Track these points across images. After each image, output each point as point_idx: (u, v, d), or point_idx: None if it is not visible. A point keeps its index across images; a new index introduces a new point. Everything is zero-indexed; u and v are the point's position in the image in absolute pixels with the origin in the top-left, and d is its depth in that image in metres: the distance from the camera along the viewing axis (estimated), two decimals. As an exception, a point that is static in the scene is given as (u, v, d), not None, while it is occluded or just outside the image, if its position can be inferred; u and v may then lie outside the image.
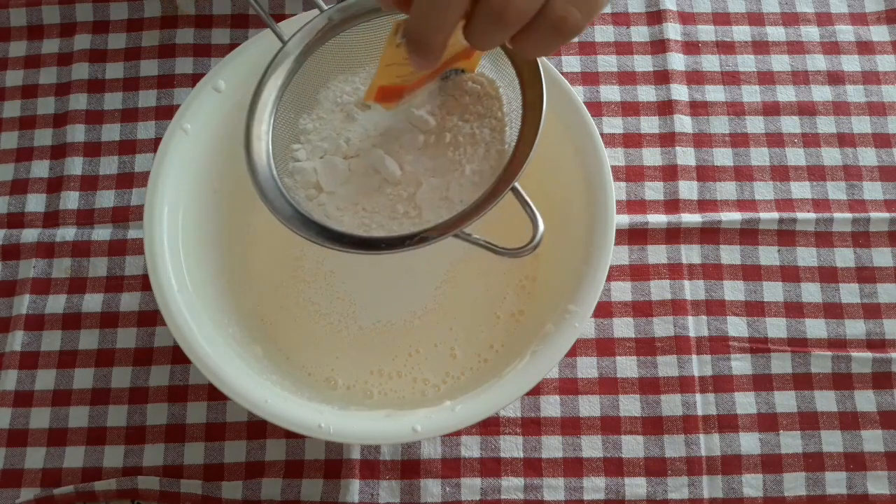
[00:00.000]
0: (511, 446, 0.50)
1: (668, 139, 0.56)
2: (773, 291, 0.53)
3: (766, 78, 0.58)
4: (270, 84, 0.42)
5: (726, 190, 0.55)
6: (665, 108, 0.57)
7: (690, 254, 0.54)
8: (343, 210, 0.41)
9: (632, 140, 0.56)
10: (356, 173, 0.42)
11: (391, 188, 0.41)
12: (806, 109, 0.57)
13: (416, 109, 0.42)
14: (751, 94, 0.58)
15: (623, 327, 0.52)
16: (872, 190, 0.55)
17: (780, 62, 0.59)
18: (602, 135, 0.47)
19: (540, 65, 0.40)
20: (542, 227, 0.38)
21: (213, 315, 0.45)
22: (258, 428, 0.50)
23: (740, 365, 0.51)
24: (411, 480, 0.49)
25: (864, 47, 0.59)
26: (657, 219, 0.54)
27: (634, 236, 0.54)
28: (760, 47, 0.59)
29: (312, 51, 0.42)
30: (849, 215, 0.54)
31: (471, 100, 0.42)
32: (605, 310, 0.52)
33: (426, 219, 0.40)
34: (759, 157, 0.56)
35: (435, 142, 0.42)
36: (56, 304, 0.53)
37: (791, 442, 0.50)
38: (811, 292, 0.53)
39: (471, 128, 0.41)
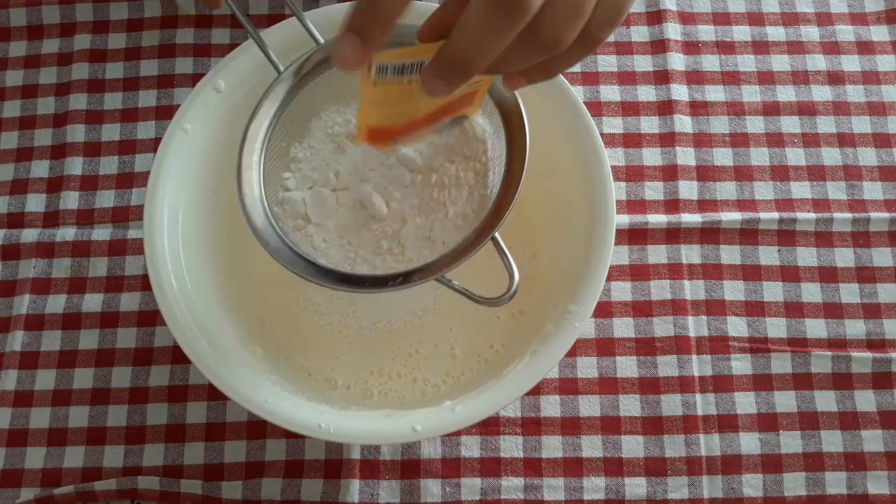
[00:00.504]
0: (511, 446, 0.50)
1: (668, 139, 0.56)
2: (773, 291, 0.53)
3: (766, 78, 0.58)
4: (263, 112, 0.42)
5: (726, 190, 0.55)
6: (665, 108, 0.57)
7: (690, 254, 0.54)
8: (329, 243, 0.42)
9: (632, 140, 0.56)
10: (344, 206, 0.42)
11: (377, 224, 0.42)
12: (806, 109, 0.57)
13: (403, 146, 0.42)
14: (751, 94, 0.58)
15: (623, 327, 0.52)
16: (872, 190, 0.55)
17: (780, 62, 0.59)
18: (602, 135, 0.47)
19: (525, 118, 0.40)
20: (517, 278, 0.39)
21: (213, 315, 0.45)
22: (258, 428, 0.50)
23: (740, 365, 0.51)
24: (411, 480, 0.49)
25: (864, 47, 0.59)
26: (657, 219, 0.54)
27: (634, 236, 0.54)
28: (760, 47, 0.59)
29: (307, 82, 0.43)
30: (849, 215, 0.54)
31: (457, 141, 0.42)
32: (605, 310, 0.52)
33: (409, 257, 0.41)
34: (759, 157, 0.56)
35: (421, 181, 0.42)
36: (56, 304, 0.53)
37: (791, 442, 0.50)
38: (811, 292, 0.53)
39: (456, 169, 0.42)
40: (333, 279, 0.40)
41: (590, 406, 0.51)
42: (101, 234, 0.54)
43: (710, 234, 0.54)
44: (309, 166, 0.43)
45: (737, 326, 0.52)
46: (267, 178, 0.42)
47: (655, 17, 0.59)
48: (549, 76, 0.34)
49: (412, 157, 0.42)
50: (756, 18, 0.60)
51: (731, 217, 0.54)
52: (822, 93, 0.58)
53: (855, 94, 0.58)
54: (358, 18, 0.30)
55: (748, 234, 0.54)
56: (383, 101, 0.35)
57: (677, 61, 0.58)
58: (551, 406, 0.50)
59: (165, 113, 0.57)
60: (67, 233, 0.54)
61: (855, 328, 0.52)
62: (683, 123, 0.57)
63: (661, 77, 0.58)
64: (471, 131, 0.42)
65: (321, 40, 0.43)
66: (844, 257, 0.54)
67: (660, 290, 0.53)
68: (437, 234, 0.41)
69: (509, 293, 0.39)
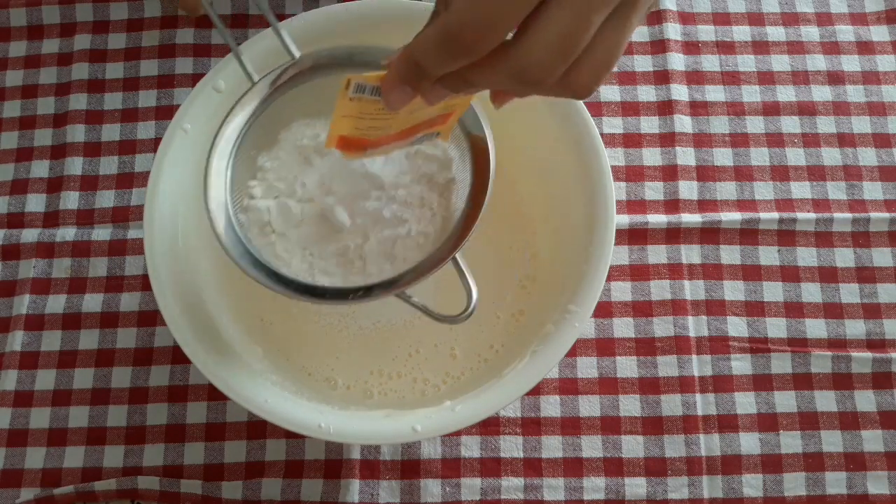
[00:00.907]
0: (511, 446, 0.50)
1: (668, 139, 0.56)
2: (773, 291, 0.53)
3: (766, 78, 0.58)
4: (235, 121, 0.42)
5: (726, 190, 0.55)
6: (665, 108, 0.57)
7: (690, 254, 0.54)
8: (291, 253, 0.42)
9: (632, 140, 0.56)
10: (308, 218, 0.43)
11: (340, 237, 0.42)
12: (806, 109, 0.57)
13: (370, 164, 0.42)
14: (751, 94, 0.58)
15: (623, 327, 0.52)
16: (872, 190, 0.55)
17: (780, 62, 0.59)
18: (602, 135, 0.47)
19: (491, 150, 0.41)
20: (475, 297, 0.40)
21: (213, 315, 0.45)
22: (258, 428, 0.50)
23: (740, 365, 0.51)
24: (411, 480, 0.49)
25: (864, 47, 0.59)
26: (657, 219, 0.54)
27: (634, 236, 0.54)
28: (760, 47, 0.59)
29: (280, 93, 0.43)
30: (849, 215, 0.54)
31: (423, 162, 0.43)
32: (605, 310, 0.52)
33: (370, 271, 0.41)
34: (759, 157, 0.56)
35: (386, 198, 0.42)
36: (56, 304, 0.53)
37: (791, 442, 0.50)
38: (811, 292, 0.53)
39: (420, 190, 0.43)
40: (294, 289, 0.40)
41: (590, 406, 0.51)
42: (101, 234, 0.54)
43: (710, 234, 0.54)
44: (275, 176, 0.44)
45: (737, 326, 0.52)
46: (234, 184, 0.42)
47: (655, 17, 0.59)
48: (534, 93, 0.32)
49: (377, 174, 0.42)
50: (756, 18, 0.60)
51: (731, 217, 0.54)
52: (822, 93, 0.58)
53: (855, 94, 0.58)
54: (414, 73, 0.29)
55: (748, 234, 0.54)
56: (357, 116, 0.35)
57: (677, 61, 0.58)
58: (551, 406, 0.50)
59: (165, 113, 0.57)
60: (67, 233, 0.54)
61: (855, 328, 0.52)
62: (683, 123, 0.57)
63: (661, 77, 0.58)
64: (439, 154, 0.43)
65: (297, 55, 0.43)
66: (844, 257, 0.54)
67: (660, 290, 0.53)
68: (399, 250, 0.42)
69: (466, 312, 0.40)
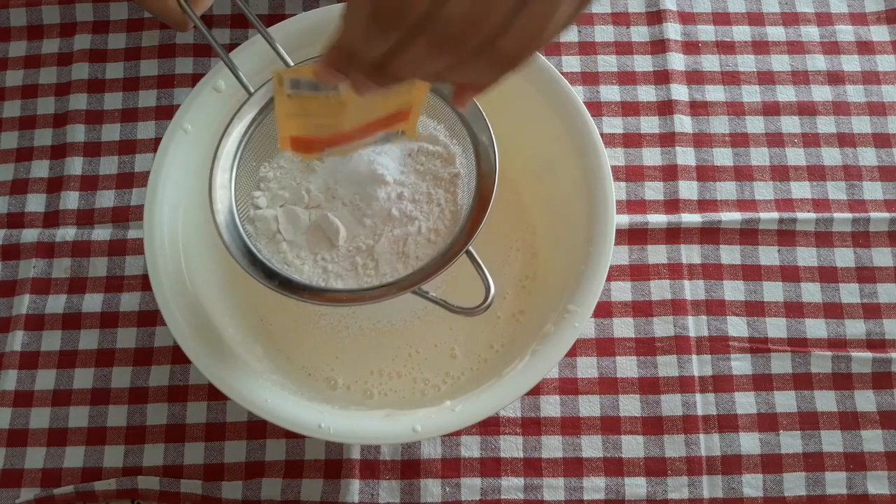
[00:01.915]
0: (511, 446, 0.50)
1: (668, 139, 0.56)
2: (773, 291, 0.53)
3: (766, 78, 0.58)
4: (235, 133, 0.42)
5: (726, 190, 0.55)
6: (665, 108, 0.57)
7: (690, 254, 0.54)
8: (303, 259, 0.42)
9: (632, 140, 0.56)
10: (316, 224, 0.43)
11: (350, 240, 0.42)
12: (806, 109, 0.57)
13: (373, 165, 0.42)
14: (751, 94, 0.58)
15: (623, 327, 0.52)
16: (872, 190, 0.55)
17: (780, 62, 0.59)
18: (602, 135, 0.47)
19: (493, 139, 0.41)
20: (493, 289, 0.40)
21: (213, 315, 0.45)
22: (258, 428, 0.50)
23: (740, 365, 0.51)
24: (411, 480, 0.49)
25: (864, 47, 0.59)
26: (657, 219, 0.54)
27: (634, 236, 0.54)
28: (760, 47, 0.59)
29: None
30: (849, 215, 0.54)
31: (427, 160, 0.43)
32: (605, 310, 0.52)
33: (382, 272, 0.42)
34: (759, 157, 0.56)
35: (394, 196, 0.43)
36: (56, 304, 0.53)
37: (791, 442, 0.50)
38: (811, 292, 0.53)
39: (426, 187, 0.43)
40: (309, 294, 0.40)
41: (590, 406, 0.51)
42: (101, 234, 0.54)
43: (710, 234, 0.54)
44: (279, 185, 0.44)
45: (737, 326, 0.52)
46: (238, 195, 0.42)
47: (655, 17, 0.59)
48: (480, 90, 0.32)
49: (382, 174, 0.42)
50: (756, 18, 0.60)
51: (731, 217, 0.54)
52: (822, 93, 0.58)
53: (855, 94, 0.58)
54: (336, 59, 0.29)
55: (748, 234, 0.54)
56: (302, 114, 0.35)
57: (677, 61, 0.58)
58: (551, 406, 0.50)
59: (165, 113, 0.57)
60: (67, 233, 0.54)
61: (855, 328, 0.52)
62: (683, 123, 0.57)
63: (661, 77, 0.58)
64: (441, 150, 0.43)
65: (291, 63, 0.43)
66: (844, 257, 0.54)
67: (660, 290, 0.53)
68: (410, 249, 0.42)
69: (485, 304, 0.40)
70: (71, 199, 0.55)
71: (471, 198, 0.42)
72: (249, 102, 0.43)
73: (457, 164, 0.43)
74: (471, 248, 0.41)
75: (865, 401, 0.51)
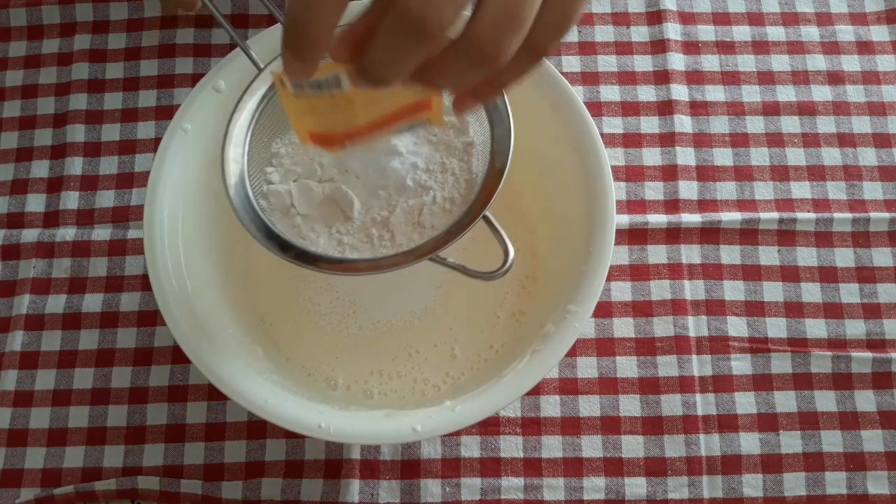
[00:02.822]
0: (511, 446, 0.50)
1: (668, 139, 0.56)
2: (773, 291, 0.53)
3: (766, 78, 0.58)
4: (246, 108, 0.42)
5: (726, 190, 0.55)
6: (665, 108, 0.57)
7: (690, 254, 0.54)
8: (318, 232, 0.42)
9: (632, 140, 0.56)
10: (330, 196, 0.43)
11: (365, 212, 0.42)
12: (806, 109, 0.57)
13: (355, 149, 0.42)
14: (751, 94, 0.58)
15: (623, 327, 0.52)
16: (872, 190, 0.55)
17: (780, 62, 0.59)
18: (602, 135, 0.47)
19: (507, 104, 0.41)
20: (512, 252, 0.40)
21: (213, 315, 0.45)
22: (258, 428, 0.50)
23: (740, 365, 0.51)
24: (411, 480, 0.49)
25: (864, 47, 0.59)
26: (657, 219, 0.54)
27: (634, 236, 0.54)
28: (760, 47, 0.59)
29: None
30: (849, 215, 0.54)
31: (440, 130, 0.43)
32: (605, 310, 0.52)
33: (398, 243, 0.41)
34: (759, 157, 0.56)
35: (408, 167, 0.42)
36: (56, 304, 0.53)
37: (791, 442, 0.50)
38: (811, 292, 0.53)
39: (440, 156, 0.43)
40: (326, 264, 0.40)
41: (590, 406, 0.51)
42: (101, 234, 0.54)
43: (710, 234, 0.54)
44: (291, 161, 0.44)
45: (737, 326, 0.52)
46: (251, 171, 0.42)
47: (655, 17, 0.59)
48: (496, 92, 0.32)
49: (395, 145, 0.42)
50: (756, 18, 0.60)
51: (731, 217, 0.54)
52: (822, 93, 0.58)
53: (855, 94, 0.58)
54: (289, 39, 0.28)
55: (748, 234, 0.54)
56: (312, 111, 0.35)
57: (677, 61, 0.58)
58: (551, 406, 0.50)
59: (165, 113, 0.57)
60: (67, 233, 0.54)
61: (855, 328, 0.52)
62: (683, 123, 0.57)
63: (661, 77, 0.58)
64: (454, 119, 0.43)
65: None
66: (844, 257, 0.54)
67: (660, 290, 0.53)
68: (426, 219, 0.41)
69: (504, 267, 0.39)
70: (71, 199, 0.55)
71: (486, 165, 0.41)
72: (260, 78, 0.42)
73: (470, 133, 0.43)
74: (488, 213, 0.40)
75: (865, 401, 0.51)
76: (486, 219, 0.40)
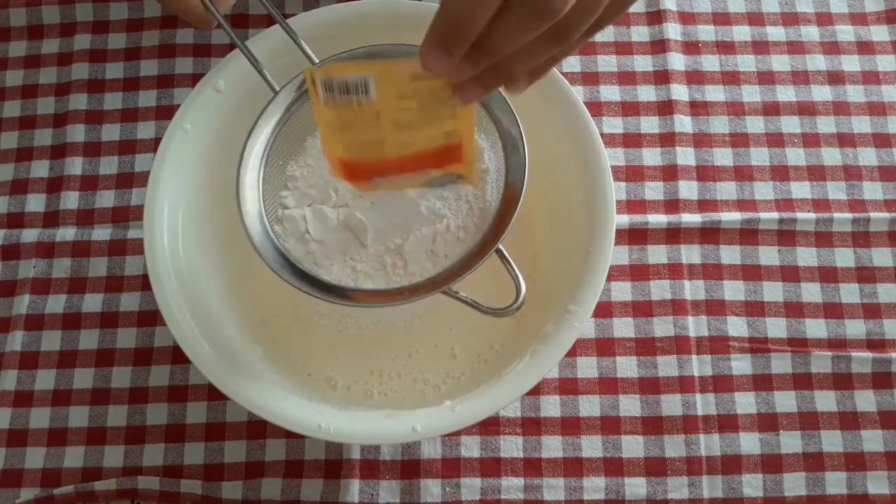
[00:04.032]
0: (511, 446, 0.50)
1: (668, 139, 0.56)
2: (773, 291, 0.53)
3: (766, 78, 0.58)
4: (261, 133, 0.42)
5: (726, 190, 0.55)
6: (665, 108, 0.57)
7: (690, 254, 0.54)
8: (332, 259, 0.42)
9: (632, 140, 0.56)
10: (344, 223, 0.43)
11: (378, 239, 0.42)
12: (806, 109, 0.57)
13: (385, 188, 0.42)
14: (751, 94, 0.58)
15: (623, 327, 0.52)
16: (872, 190, 0.55)
17: (780, 62, 0.59)
18: (602, 135, 0.47)
19: (523, 133, 0.41)
20: (524, 289, 0.39)
21: (213, 315, 0.45)
22: (258, 428, 0.50)
23: (740, 365, 0.51)
24: (411, 480, 0.49)
25: (864, 47, 0.59)
26: (657, 219, 0.54)
27: (634, 236, 0.54)
28: (760, 47, 0.59)
29: (303, 100, 0.43)
30: (849, 215, 0.54)
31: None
32: (605, 310, 0.52)
33: (411, 271, 0.41)
34: (759, 157, 0.56)
35: (420, 195, 0.42)
36: (56, 304, 0.53)
37: (791, 442, 0.50)
38: (811, 292, 0.53)
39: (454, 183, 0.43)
40: (339, 295, 0.40)
41: (590, 406, 0.51)
42: (101, 234, 0.54)
43: (710, 234, 0.54)
44: (306, 184, 0.44)
45: (737, 326, 0.52)
46: (265, 196, 0.42)
47: (655, 17, 0.59)
48: (548, 70, 0.34)
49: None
50: (756, 18, 0.60)
51: (731, 217, 0.54)
52: (822, 93, 0.58)
53: (855, 94, 0.58)
54: (442, 33, 0.29)
55: (748, 234, 0.54)
56: (340, 126, 0.35)
57: (677, 61, 0.58)
58: (551, 406, 0.50)
59: (165, 113, 0.57)
60: (67, 233, 0.54)
61: (855, 328, 0.52)
62: (683, 123, 0.57)
63: (661, 77, 0.58)
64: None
65: (316, 60, 0.43)
66: (844, 257, 0.54)
67: (660, 290, 0.53)
68: (439, 247, 0.41)
69: (517, 303, 0.39)
70: (71, 199, 0.55)
71: (500, 194, 0.41)
72: (275, 101, 0.42)
73: (485, 160, 0.43)
74: (500, 247, 0.40)
75: (865, 401, 0.51)
76: (500, 252, 0.40)
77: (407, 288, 0.40)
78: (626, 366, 0.51)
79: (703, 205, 0.55)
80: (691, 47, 0.59)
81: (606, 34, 0.59)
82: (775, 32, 0.59)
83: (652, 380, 0.51)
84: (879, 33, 0.59)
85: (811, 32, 0.59)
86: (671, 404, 0.50)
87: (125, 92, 0.58)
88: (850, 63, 0.59)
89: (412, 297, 0.40)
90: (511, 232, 0.40)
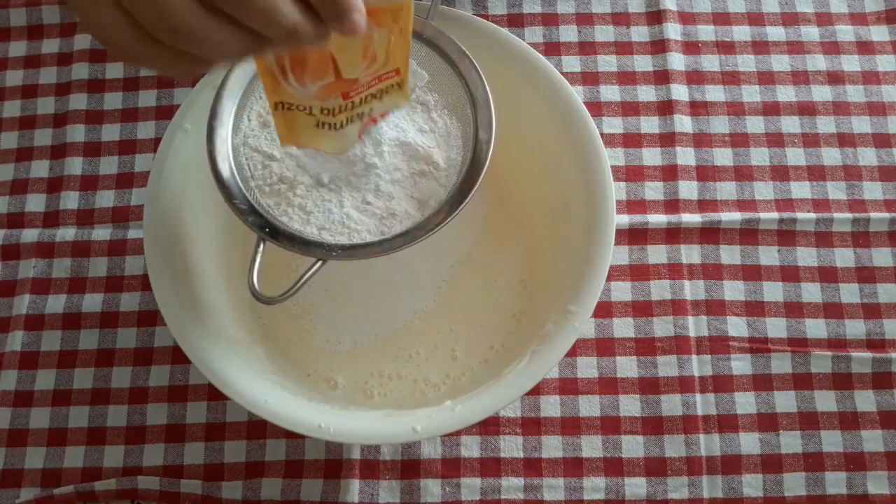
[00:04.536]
0: (511, 446, 0.50)
1: (668, 139, 0.56)
2: (773, 291, 0.53)
3: (766, 78, 0.58)
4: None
5: (726, 190, 0.55)
6: (665, 108, 0.57)
7: (690, 254, 0.54)
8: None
9: (632, 140, 0.56)
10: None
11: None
12: (806, 109, 0.57)
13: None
14: (751, 94, 0.58)
15: (623, 327, 0.52)
16: (872, 190, 0.55)
17: (780, 62, 0.59)
18: (602, 135, 0.47)
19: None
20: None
21: (213, 315, 0.45)
22: (258, 428, 0.50)
23: (740, 365, 0.51)
24: (411, 480, 0.49)
25: (864, 47, 0.59)
26: (657, 219, 0.54)
27: (634, 236, 0.54)
28: (760, 47, 0.59)
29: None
30: (849, 215, 0.54)
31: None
32: (605, 310, 0.52)
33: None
34: (759, 157, 0.56)
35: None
36: (56, 304, 0.53)
37: (791, 442, 0.50)
38: (811, 292, 0.53)
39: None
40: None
41: (590, 406, 0.51)
42: (101, 234, 0.54)
43: (710, 234, 0.54)
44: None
45: (737, 326, 0.52)
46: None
47: (655, 17, 0.59)
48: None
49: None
50: (756, 18, 0.60)
51: (731, 217, 0.54)
52: (822, 93, 0.58)
53: (855, 94, 0.58)
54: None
55: (748, 234, 0.54)
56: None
57: (677, 61, 0.58)
58: (551, 406, 0.50)
59: (165, 113, 0.57)
60: (67, 233, 0.54)
61: (855, 328, 0.52)
62: (683, 123, 0.57)
63: (661, 77, 0.58)
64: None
65: None
66: (844, 257, 0.54)
67: (660, 290, 0.53)
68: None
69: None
70: (71, 199, 0.55)
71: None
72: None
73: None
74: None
75: (865, 401, 0.51)
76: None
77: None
78: (626, 366, 0.51)
79: (703, 205, 0.55)
80: (691, 47, 0.59)
81: (606, 34, 0.59)
82: (775, 32, 0.59)
83: (652, 380, 0.51)
84: (879, 33, 0.59)
85: (811, 32, 0.59)
86: (671, 404, 0.50)
87: (125, 92, 0.58)
88: (850, 63, 0.59)
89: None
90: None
